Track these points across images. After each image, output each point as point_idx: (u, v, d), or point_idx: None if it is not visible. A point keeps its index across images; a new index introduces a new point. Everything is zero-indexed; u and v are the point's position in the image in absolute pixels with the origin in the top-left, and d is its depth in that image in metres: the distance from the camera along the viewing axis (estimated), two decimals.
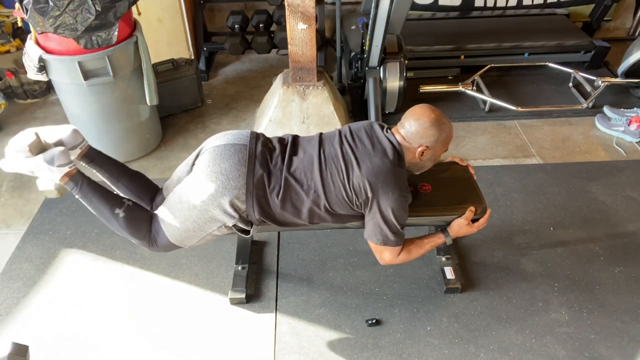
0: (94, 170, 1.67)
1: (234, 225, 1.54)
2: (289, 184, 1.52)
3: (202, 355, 1.78)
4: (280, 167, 1.54)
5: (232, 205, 1.49)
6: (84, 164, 1.65)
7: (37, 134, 1.51)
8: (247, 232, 1.58)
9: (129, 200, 1.60)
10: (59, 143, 1.54)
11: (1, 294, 2.00)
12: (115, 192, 1.64)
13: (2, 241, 2.24)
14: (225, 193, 1.48)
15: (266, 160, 1.54)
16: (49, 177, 1.49)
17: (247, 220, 1.55)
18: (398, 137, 1.55)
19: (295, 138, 1.66)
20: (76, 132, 1.58)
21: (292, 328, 1.87)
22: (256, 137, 1.60)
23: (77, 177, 1.52)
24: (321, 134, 1.66)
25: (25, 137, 1.50)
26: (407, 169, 1.61)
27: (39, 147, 1.51)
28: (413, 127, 1.52)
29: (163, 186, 1.75)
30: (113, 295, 1.99)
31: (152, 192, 1.74)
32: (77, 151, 1.60)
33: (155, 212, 1.63)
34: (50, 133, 1.56)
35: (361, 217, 1.60)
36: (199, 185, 1.51)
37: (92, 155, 1.65)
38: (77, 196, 1.55)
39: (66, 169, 1.49)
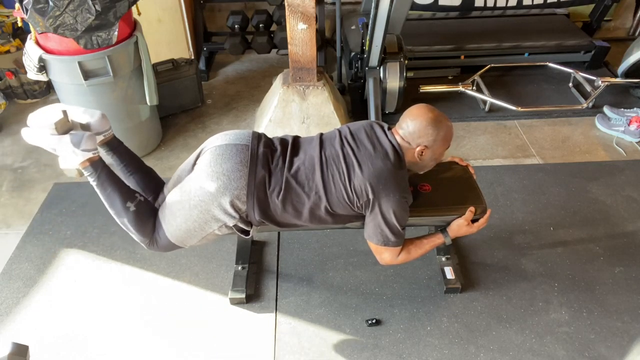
0: (111, 160, 1.66)
1: (234, 226, 1.54)
2: (290, 185, 1.52)
3: (202, 355, 1.78)
4: (282, 168, 1.54)
5: (233, 205, 1.49)
6: (104, 152, 1.64)
7: (65, 112, 1.50)
8: (247, 232, 1.58)
9: (141, 195, 1.60)
10: (86, 126, 1.54)
11: (1, 294, 2.00)
12: (128, 186, 1.64)
13: (2, 241, 2.24)
14: (226, 193, 1.47)
15: (267, 161, 1.54)
16: (70, 159, 1.48)
17: (247, 220, 1.55)
18: (397, 138, 1.55)
19: (296, 139, 1.66)
20: (104, 118, 1.58)
21: (292, 328, 1.87)
22: (258, 137, 1.60)
23: (97, 164, 1.52)
24: (321, 134, 1.66)
25: (52, 113, 1.49)
26: (409, 169, 1.61)
27: (66, 127, 1.50)
28: (411, 127, 1.52)
29: (165, 186, 1.76)
30: (113, 296, 1.99)
31: (158, 191, 1.75)
32: (101, 137, 1.60)
33: (158, 205, 1.64)
34: (79, 114, 1.55)
35: (361, 217, 1.60)
36: (200, 185, 1.51)
37: (114, 145, 1.66)
38: (93, 183, 1.54)
39: (90, 155, 1.48)
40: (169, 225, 1.57)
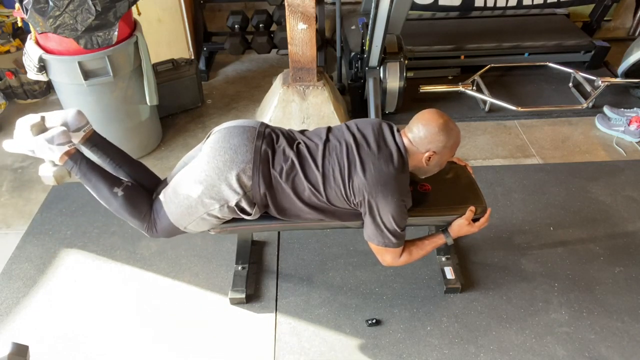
0: (96, 156, 1.70)
1: (237, 205, 1.53)
2: (293, 166, 1.53)
3: (202, 355, 1.78)
4: (285, 149, 1.56)
5: (239, 180, 1.49)
6: (86, 148, 1.68)
7: (42, 117, 1.57)
8: (248, 214, 1.57)
9: (128, 180, 1.63)
10: (64, 124, 1.59)
11: (1, 294, 2.00)
12: (112, 174, 1.66)
13: (2, 241, 2.24)
14: (233, 167, 1.49)
15: (272, 141, 1.58)
16: (49, 157, 1.54)
17: (251, 200, 1.55)
18: (405, 141, 1.56)
19: (302, 130, 1.69)
20: (80, 114, 1.63)
21: (292, 328, 1.87)
22: (266, 125, 1.64)
23: (76, 157, 1.57)
24: (329, 127, 1.66)
25: (29, 118, 1.55)
26: (413, 172, 1.61)
27: (41, 129, 1.56)
28: (422, 132, 1.52)
29: (168, 175, 1.76)
30: (113, 296, 1.99)
31: (152, 183, 1.75)
32: (81, 134, 1.64)
33: (158, 193, 1.65)
34: (55, 117, 1.60)
35: (361, 215, 1.60)
36: (207, 160, 1.52)
37: (95, 140, 1.69)
38: (77, 176, 1.59)
39: (65, 148, 1.54)
40: (171, 204, 1.58)
